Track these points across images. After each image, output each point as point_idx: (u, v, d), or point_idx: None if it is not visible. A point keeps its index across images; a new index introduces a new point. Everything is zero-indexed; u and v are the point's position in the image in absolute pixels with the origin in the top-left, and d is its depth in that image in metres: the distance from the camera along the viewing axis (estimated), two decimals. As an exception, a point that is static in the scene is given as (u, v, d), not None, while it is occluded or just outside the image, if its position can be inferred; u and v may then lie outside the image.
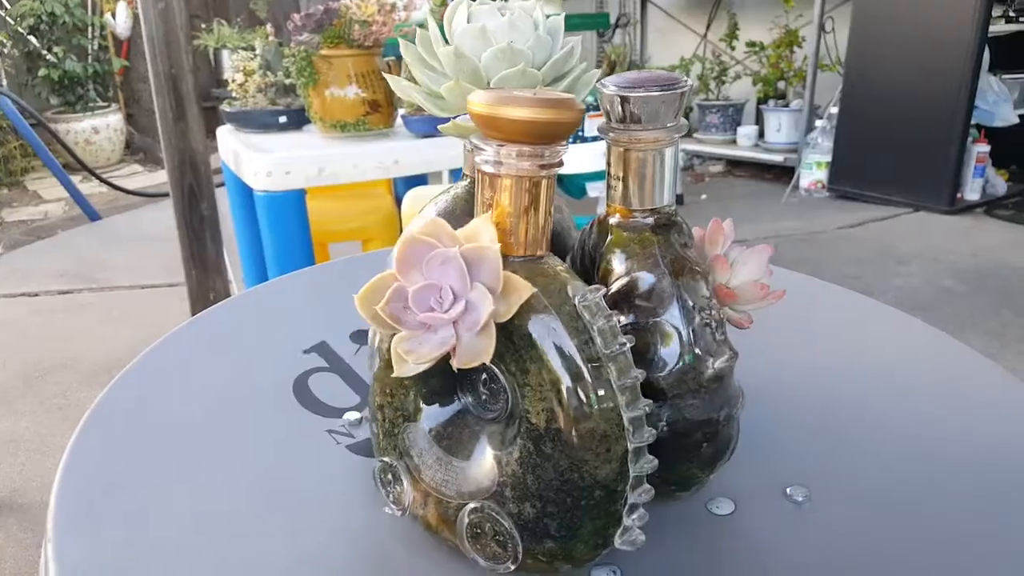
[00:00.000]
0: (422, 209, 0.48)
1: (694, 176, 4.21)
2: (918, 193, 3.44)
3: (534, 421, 0.37)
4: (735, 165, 4.31)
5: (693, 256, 0.44)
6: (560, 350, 0.36)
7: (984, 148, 3.43)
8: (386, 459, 0.44)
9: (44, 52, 4.68)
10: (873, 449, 0.53)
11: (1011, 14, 3.44)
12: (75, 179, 3.93)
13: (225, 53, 2.07)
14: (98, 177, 4.03)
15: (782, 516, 0.46)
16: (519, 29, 0.43)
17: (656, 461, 0.38)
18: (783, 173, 4.00)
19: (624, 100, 0.41)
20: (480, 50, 0.43)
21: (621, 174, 0.43)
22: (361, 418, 0.57)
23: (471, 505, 0.40)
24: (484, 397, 0.42)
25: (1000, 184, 3.56)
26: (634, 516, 0.39)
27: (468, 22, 0.44)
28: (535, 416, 0.37)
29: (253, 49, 1.90)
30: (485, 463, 0.40)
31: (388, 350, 0.41)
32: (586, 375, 0.36)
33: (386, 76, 0.47)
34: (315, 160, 1.63)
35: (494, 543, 0.40)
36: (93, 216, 3.71)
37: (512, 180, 0.37)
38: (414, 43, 0.46)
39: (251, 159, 1.63)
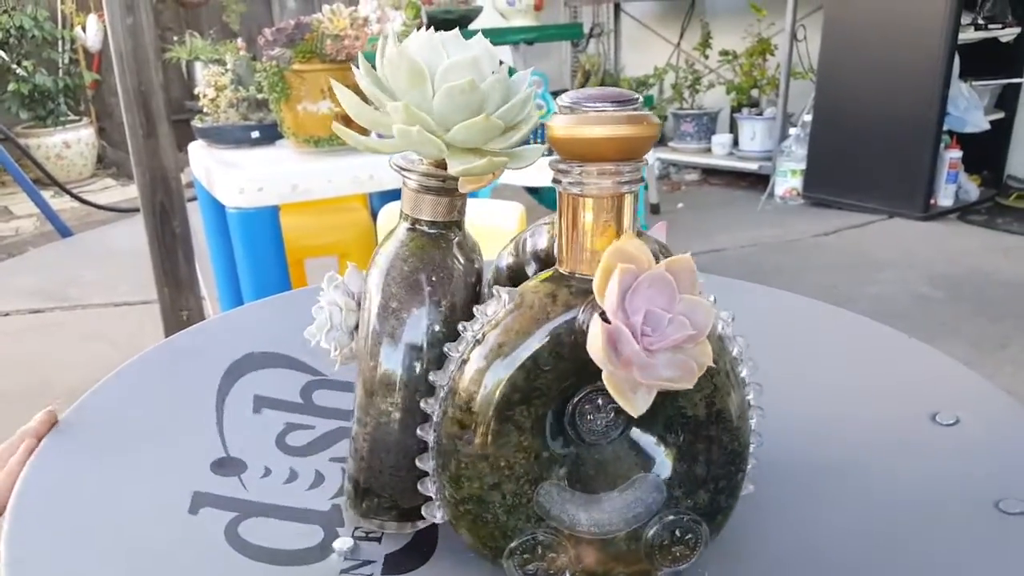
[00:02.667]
0: (374, 258, 0.47)
1: (670, 185, 4.22)
2: (892, 200, 3.46)
3: (691, 413, 0.40)
4: (710, 173, 4.33)
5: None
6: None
7: (956, 154, 3.46)
8: (530, 536, 0.40)
9: (13, 66, 4.62)
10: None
11: (980, 21, 3.48)
12: (46, 194, 3.87)
13: (198, 65, 2.05)
14: (69, 192, 3.98)
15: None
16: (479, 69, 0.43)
17: None
18: (758, 181, 4.02)
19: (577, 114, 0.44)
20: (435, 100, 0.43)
21: None
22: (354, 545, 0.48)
23: (652, 524, 0.41)
24: (605, 420, 0.41)
25: (973, 189, 3.60)
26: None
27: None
28: (692, 408, 0.40)
29: (224, 63, 1.87)
30: (642, 480, 0.41)
31: (490, 424, 0.39)
32: (728, 354, 0.41)
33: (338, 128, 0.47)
34: (288, 176, 1.61)
35: (680, 546, 0.41)
36: (65, 232, 3.65)
37: (594, 199, 0.38)
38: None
39: (223, 176, 1.61)
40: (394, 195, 2.00)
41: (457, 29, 0.44)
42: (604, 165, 0.37)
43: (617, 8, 4.74)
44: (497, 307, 0.40)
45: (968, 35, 3.37)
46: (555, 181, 0.39)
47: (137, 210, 1.84)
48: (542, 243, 0.49)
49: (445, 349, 0.41)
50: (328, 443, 0.57)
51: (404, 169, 0.45)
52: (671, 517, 0.41)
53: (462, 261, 0.45)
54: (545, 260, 0.48)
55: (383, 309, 0.45)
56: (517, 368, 0.39)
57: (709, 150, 4.24)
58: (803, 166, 3.72)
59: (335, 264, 2.29)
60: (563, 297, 0.39)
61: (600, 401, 0.40)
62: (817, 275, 2.77)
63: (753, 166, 4.02)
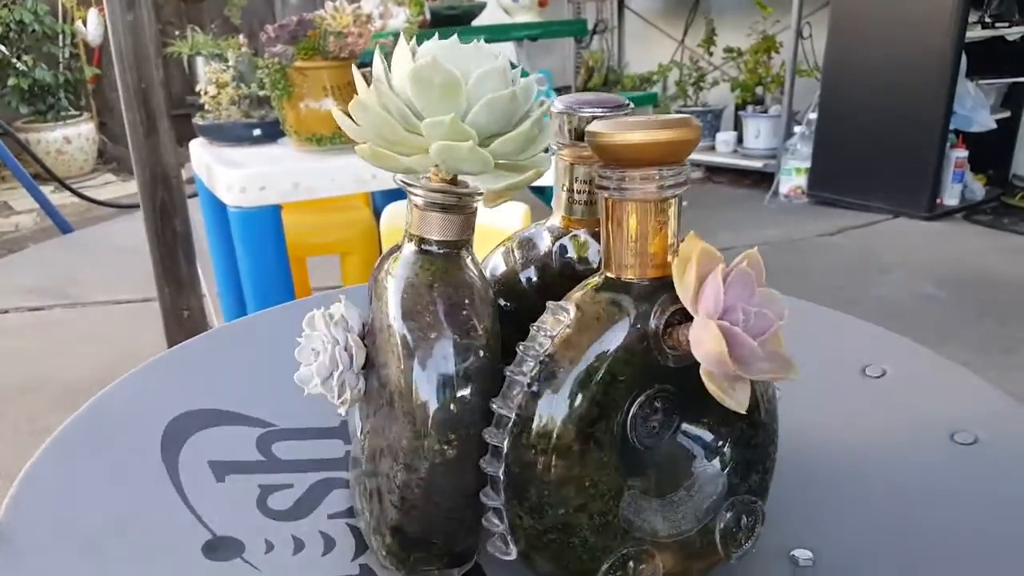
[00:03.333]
0: (379, 285, 0.45)
1: (674, 182, 4.20)
2: (897, 199, 3.44)
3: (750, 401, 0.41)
4: (714, 171, 4.30)
5: None
6: None
7: (962, 153, 3.43)
8: (620, 553, 0.39)
9: (13, 60, 4.60)
10: (878, 505, 0.50)
11: (987, 20, 3.45)
12: (46, 190, 3.85)
13: (200, 60, 2.04)
14: (69, 188, 3.96)
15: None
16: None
17: None
18: (762, 179, 3.99)
19: (571, 118, 0.44)
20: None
21: (566, 184, 0.47)
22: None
23: (720, 515, 0.41)
24: (659, 420, 0.41)
25: (978, 189, 3.57)
26: None
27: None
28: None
29: (226, 60, 1.85)
30: (703, 473, 0.42)
31: (573, 445, 0.38)
32: None
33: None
34: (290, 175, 1.59)
35: (744, 531, 0.42)
36: (65, 228, 3.63)
37: (637, 204, 0.38)
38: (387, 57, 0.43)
39: (224, 174, 1.59)
40: (397, 194, 1.97)
41: (456, 36, 0.41)
42: (648, 170, 0.37)
43: (621, 4, 4.71)
44: (556, 323, 0.39)
45: (975, 33, 3.34)
46: (600, 188, 0.38)
47: (138, 206, 1.82)
48: (542, 249, 0.48)
49: (508, 373, 0.39)
50: (316, 500, 0.52)
51: (420, 187, 0.41)
52: (735, 504, 0.41)
53: (478, 277, 0.43)
54: (545, 267, 0.48)
55: (414, 343, 0.40)
56: (596, 383, 0.37)
57: (713, 148, 4.22)
58: (808, 164, 3.70)
59: (337, 263, 2.28)
60: (627, 304, 0.38)
61: (657, 403, 0.40)
62: (823, 276, 2.74)
63: (757, 164, 3.99)
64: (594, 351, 0.37)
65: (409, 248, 0.43)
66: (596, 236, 0.47)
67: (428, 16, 2.71)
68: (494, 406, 0.39)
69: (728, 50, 4.18)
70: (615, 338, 0.38)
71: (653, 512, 0.40)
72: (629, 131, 0.37)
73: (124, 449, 0.57)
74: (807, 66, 3.85)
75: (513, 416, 0.38)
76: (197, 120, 1.85)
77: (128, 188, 4.43)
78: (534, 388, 0.38)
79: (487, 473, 0.39)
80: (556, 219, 0.49)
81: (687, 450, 0.41)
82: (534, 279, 0.48)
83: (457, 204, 0.41)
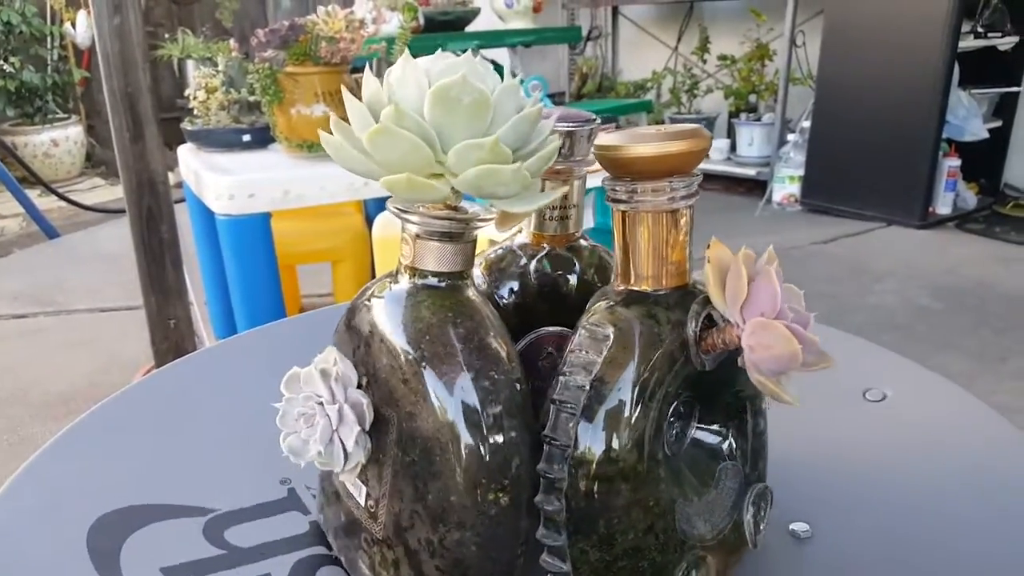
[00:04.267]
0: (372, 327, 0.42)
1: (666, 190, 4.18)
2: (890, 207, 3.43)
3: (746, 392, 0.42)
4: (707, 179, 4.26)
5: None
6: None
7: (955, 162, 3.43)
8: (684, 562, 0.39)
9: (0, 62, 4.55)
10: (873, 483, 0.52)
11: (979, 29, 3.45)
12: (32, 194, 3.81)
13: (190, 63, 2.01)
14: (56, 193, 3.92)
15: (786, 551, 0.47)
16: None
17: None
18: (755, 187, 3.98)
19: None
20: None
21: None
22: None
23: (751, 506, 0.42)
24: (680, 424, 0.42)
25: (970, 198, 3.57)
26: None
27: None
28: (746, 387, 0.41)
29: (216, 64, 1.82)
30: (725, 470, 0.43)
31: (637, 466, 0.37)
32: None
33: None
34: (280, 182, 1.56)
35: (765, 513, 0.43)
36: (51, 233, 3.59)
37: (651, 215, 0.38)
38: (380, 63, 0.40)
39: (213, 181, 1.56)
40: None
41: (445, 52, 0.38)
42: (660, 182, 0.37)
43: (615, 11, 4.70)
44: (596, 344, 0.37)
45: (968, 43, 3.34)
46: (614, 201, 0.38)
47: (125, 211, 1.78)
48: (516, 267, 0.47)
49: (553, 402, 0.37)
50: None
51: (426, 216, 0.37)
52: (755, 493, 0.42)
53: (484, 303, 0.39)
54: (523, 286, 0.47)
55: (449, 388, 0.36)
56: (650, 399, 0.37)
57: (706, 155, 4.20)
58: (801, 172, 3.69)
59: (328, 270, 2.25)
60: (662, 315, 0.38)
61: (683, 408, 0.41)
62: (817, 285, 2.73)
63: (751, 172, 3.98)
64: (642, 367, 0.36)
65: (406, 284, 0.39)
66: (571, 251, 0.48)
67: (422, 21, 2.69)
68: (547, 440, 0.37)
69: (722, 58, 4.17)
70: (659, 351, 0.37)
71: (697, 517, 0.40)
72: (640, 144, 0.36)
73: (48, 557, 0.47)
74: (800, 74, 3.85)
75: (570, 446, 0.36)
76: (186, 125, 1.82)
77: (116, 192, 4.38)
78: (587, 415, 0.36)
79: (546, 511, 0.37)
80: (525, 236, 0.48)
81: (708, 450, 0.43)
82: (509, 298, 0.47)
83: (464, 232, 0.38)
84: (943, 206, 3.47)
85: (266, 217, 1.56)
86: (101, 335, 2.48)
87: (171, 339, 1.85)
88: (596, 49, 4.80)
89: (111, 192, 4.42)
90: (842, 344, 0.73)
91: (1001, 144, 3.70)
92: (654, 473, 0.37)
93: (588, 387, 0.36)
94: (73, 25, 4.78)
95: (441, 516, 0.37)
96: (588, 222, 2.76)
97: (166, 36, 2.14)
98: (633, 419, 0.36)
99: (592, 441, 0.36)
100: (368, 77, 0.36)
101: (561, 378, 0.37)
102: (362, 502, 0.41)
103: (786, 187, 3.74)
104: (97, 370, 2.20)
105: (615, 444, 0.36)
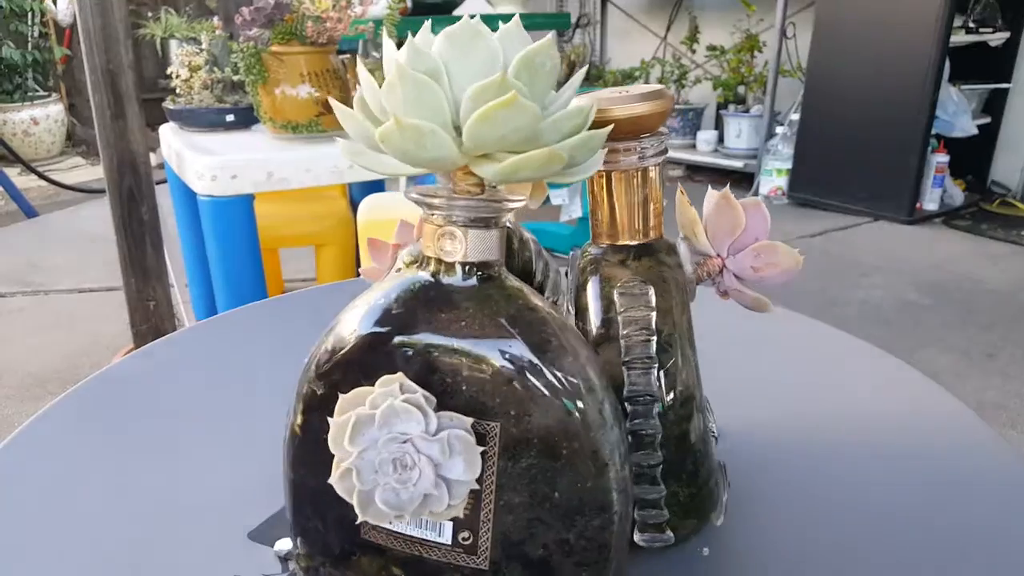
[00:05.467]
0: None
1: (654, 180, 4.17)
2: (878, 202, 3.43)
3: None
4: (695, 170, 4.28)
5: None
6: None
7: (943, 158, 3.43)
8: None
9: (-21, 38, 4.47)
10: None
11: (971, 25, 3.45)
12: (11, 172, 3.74)
13: (173, 43, 1.96)
14: (35, 171, 3.85)
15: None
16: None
17: None
18: (743, 179, 3.97)
19: None
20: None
21: None
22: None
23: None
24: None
25: (957, 194, 3.58)
26: None
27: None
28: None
29: (199, 43, 1.78)
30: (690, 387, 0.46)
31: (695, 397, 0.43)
32: None
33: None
34: (264, 164, 1.53)
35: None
36: (30, 212, 3.53)
37: (621, 175, 0.41)
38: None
39: (194, 161, 1.52)
40: (375, 186, 1.92)
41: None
42: (626, 143, 0.41)
43: (604, -1, 4.67)
44: (645, 300, 0.41)
45: (959, 38, 3.33)
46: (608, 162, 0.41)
47: (106, 191, 1.74)
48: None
49: (625, 360, 0.41)
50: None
51: (473, 200, 0.34)
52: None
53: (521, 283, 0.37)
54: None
55: (582, 383, 0.34)
56: (692, 335, 0.44)
57: (694, 146, 4.19)
58: (789, 165, 3.68)
59: (311, 254, 2.21)
60: (668, 261, 0.43)
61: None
62: (804, 278, 2.71)
63: (738, 164, 3.97)
64: (678, 310, 0.42)
65: (456, 282, 0.35)
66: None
67: (409, 4, 2.65)
68: (632, 400, 0.40)
69: (711, 48, 4.15)
70: (682, 293, 0.43)
71: None
72: (608, 107, 0.38)
73: None
74: (790, 66, 3.83)
75: (655, 399, 0.41)
76: (168, 104, 1.78)
77: (97, 172, 4.32)
78: (661, 365, 0.41)
79: (648, 467, 0.40)
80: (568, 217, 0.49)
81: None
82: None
83: (501, 216, 0.35)
84: (930, 202, 3.48)
85: (249, 199, 1.53)
86: (80, 316, 2.44)
87: (151, 321, 1.82)
88: (585, 37, 4.77)
89: (92, 172, 4.35)
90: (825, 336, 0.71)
91: (989, 141, 3.71)
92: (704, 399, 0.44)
93: (652, 340, 0.41)
94: (54, 2, 4.70)
95: (578, 508, 0.34)
96: (576, 211, 2.74)
97: (149, 15, 2.09)
98: (689, 355, 0.43)
99: (670, 386, 0.41)
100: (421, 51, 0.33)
101: (624, 341, 0.41)
102: (446, 541, 0.36)
103: (773, 180, 3.73)
104: (75, 351, 2.17)
105: (686, 380, 0.42)
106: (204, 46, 1.77)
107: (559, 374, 0.34)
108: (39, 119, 4.60)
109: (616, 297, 0.41)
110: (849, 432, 0.57)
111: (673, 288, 0.42)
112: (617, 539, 0.35)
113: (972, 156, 3.65)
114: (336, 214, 2.08)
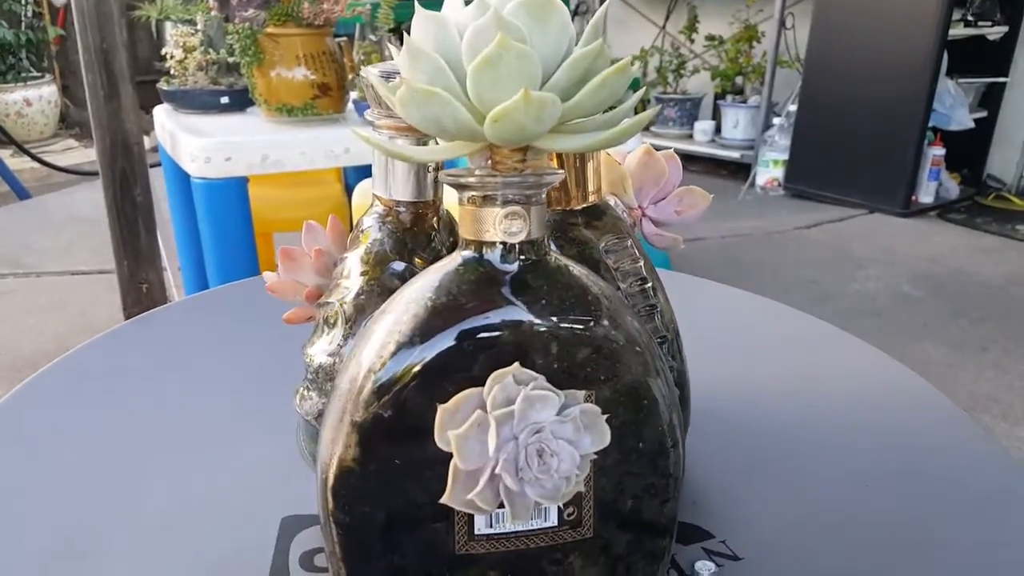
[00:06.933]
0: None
1: (650, 170, 4.16)
2: (874, 194, 3.43)
3: None
4: (691, 160, 4.26)
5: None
6: None
7: (940, 151, 3.43)
8: None
9: (-28, 18, 4.43)
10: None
11: (969, 18, 3.44)
12: (4, 154, 3.72)
13: (168, 24, 1.94)
14: (28, 153, 3.83)
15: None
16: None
17: None
18: (739, 170, 3.97)
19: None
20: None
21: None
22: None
23: None
24: None
25: (953, 188, 3.58)
26: None
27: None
28: None
29: (194, 23, 1.77)
30: None
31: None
32: None
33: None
34: (259, 146, 1.52)
35: None
36: (22, 194, 3.51)
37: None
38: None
39: (188, 142, 1.51)
40: (370, 170, 1.90)
41: None
42: None
43: (603, -13, 4.65)
44: (629, 249, 0.45)
45: (957, 31, 3.33)
46: None
47: (99, 173, 1.73)
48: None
49: (636, 306, 0.45)
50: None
51: (526, 175, 0.33)
52: None
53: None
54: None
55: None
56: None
57: (691, 136, 4.18)
58: (786, 157, 3.67)
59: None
60: (618, 216, 0.47)
61: None
62: (799, 270, 2.72)
63: (735, 154, 3.96)
64: (645, 258, 0.47)
65: (518, 262, 0.34)
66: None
67: (407, -12, 2.63)
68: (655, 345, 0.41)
69: (710, 38, 4.13)
70: (636, 242, 0.47)
71: None
72: None
73: None
74: (788, 57, 3.82)
75: (667, 339, 0.47)
76: (162, 85, 1.76)
77: (90, 155, 4.29)
78: (658, 305, 0.46)
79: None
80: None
81: None
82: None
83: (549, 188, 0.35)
84: (926, 195, 3.48)
85: (243, 182, 1.52)
86: (72, 298, 2.43)
87: (143, 303, 1.81)
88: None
89: (85, 154, 4.32)
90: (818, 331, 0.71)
91: (985, 135, 3.71)
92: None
93: (648, 287, 0.46)
94: (49, -19, 4.66)
95: (659, 450, 0.36)
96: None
97: (144, -4, 2.07)
98: (664, 297, 0.47)
99: (664, 323, 0.46)
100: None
101: (623, 294, 0.44)
102: (553, 523, 0.35)
103: (770, 171, 3.72)
104: (67, 333, 2.15)
105: (671, 320, 0.47)
106: (199, 27, 1.75)
107: (629, 331, 0.35)
108: (32, 100, 4.57)
109: (603, 256, 0.44)
110: (831, 425, 0.56)
111: (631, 239, 0.46)
112: (683, 459, 0.37)
113: (968, 150, 3.65)
114: (331, 198, 2.07)
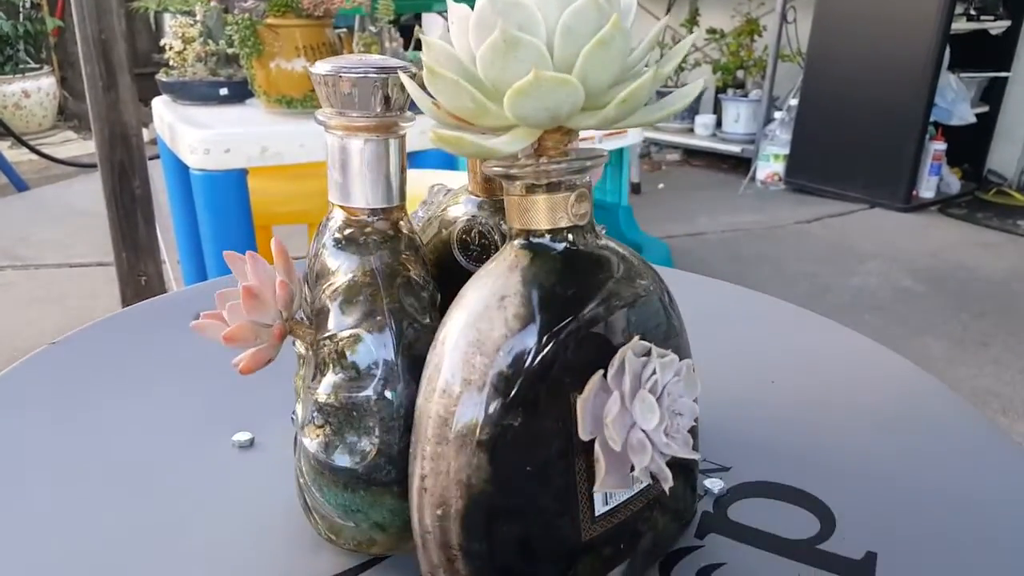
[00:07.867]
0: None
1: (650, 165, 4.15)
2: (874, 189, 3.42)
3: None
4: (692, 154, 4.26)
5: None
6: None
7: (941, 146, 3.42)
8: None
9: (-30, 9, 4.41)
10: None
11: (972, 12, 3.43)
12: (2, 145, 3.70)
13: (167, 16, 1.94)
14: (26, 144, 3.81)
15: None
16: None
17: None
18: (740, 164, 3.96)
19: (330, 81, 0.37)
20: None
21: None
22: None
23: None
24: None
25: (954, 182, 3.57)
26: None
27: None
28: None
29: (194, 14, 1.76)
30: None
31: None
32: None
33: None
34: (258, 138, 1.51)
35: None
36: (20, 186, 3.50)
37: None
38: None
39: (187, 134, 1.50)
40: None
41: None
42: None
43: (604, -20, 4.63)
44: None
45: (960, 25, 3.31)
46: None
47: (97, 165, 1.72)
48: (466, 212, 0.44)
49: None
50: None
51: (575, 159, 0.34)
52: None
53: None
54: (468, 232, 0.43)
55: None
56: None
57: (692, 130, 4.17)
58: (786, 151, 3.66)
59: (305, 233, 2.19)
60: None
61: None
62: (799, 264, 2.71)
63: (736, 149, 3.95)
64: None
65: (588, 241, 0.35)
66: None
67: (407, -20, 2.62)
68: None
69: (711, 31, 4.12)
70: None
71: None
72: None
73: None
74: (790, 51, 3.81)
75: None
76: (161, 76, 1.75)
77: (89, 147, 4.27)
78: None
79: None
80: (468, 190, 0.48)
81: None
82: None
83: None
84: (927, 190, 3.47)
85: (242, 174, 1.51)
86: (70, 291, 2.42)
87: (142, 296, 1.80)
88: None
89: (83, 146, 4.31)
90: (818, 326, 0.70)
91: (987, 130, 3.70)
92: None
93: None
94: (47, -28, 4.64)
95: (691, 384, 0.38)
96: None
97: (143, -13, 2.06)
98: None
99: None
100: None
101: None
102: (649, 480, 0.35)
103: (770, 165, 3.71)
104: (65, 326, 2.13)
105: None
106: (198, 18, 1.74)
107: (657, 283, 0.36)
108: (30, 92, 4.55)
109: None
110: (831, 422, 0.56)
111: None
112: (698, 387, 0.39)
113: (969, 144, 3.64)
114: (330, 191, 2.06)
